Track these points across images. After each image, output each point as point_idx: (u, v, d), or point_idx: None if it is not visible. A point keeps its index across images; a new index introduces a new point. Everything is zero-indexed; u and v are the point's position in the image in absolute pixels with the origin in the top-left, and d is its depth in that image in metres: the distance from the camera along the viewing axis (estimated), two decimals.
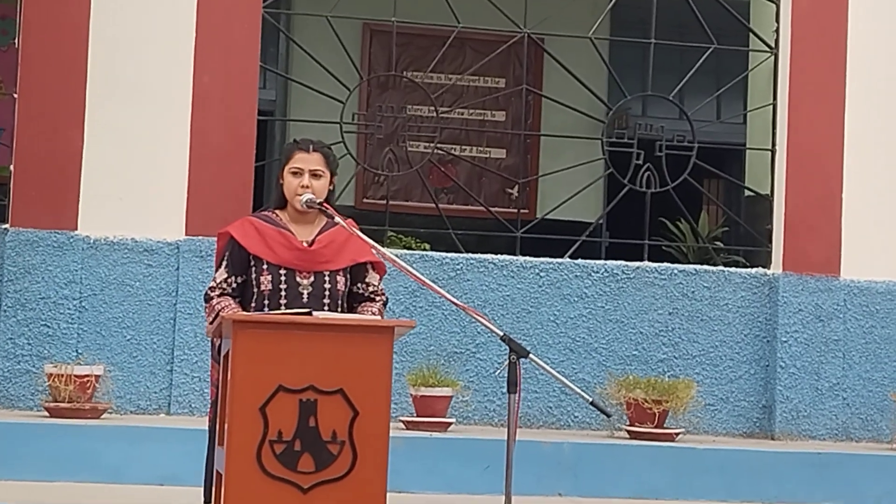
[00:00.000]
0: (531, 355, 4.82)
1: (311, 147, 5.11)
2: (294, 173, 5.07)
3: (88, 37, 7.89)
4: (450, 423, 7.60)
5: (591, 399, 4.98)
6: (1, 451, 6.84)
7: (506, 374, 4.83)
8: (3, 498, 6.26)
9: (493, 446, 7.13)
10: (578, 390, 4.97)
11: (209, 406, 5.24)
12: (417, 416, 7.54)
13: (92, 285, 7.83)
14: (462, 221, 8.85)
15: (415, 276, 4.99)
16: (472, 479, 7.04)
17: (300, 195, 5.03)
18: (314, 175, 5.07)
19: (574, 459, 7.25)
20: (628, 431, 7.71)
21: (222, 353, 4.91)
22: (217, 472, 4.84)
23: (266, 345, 4.57)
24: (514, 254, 8.50)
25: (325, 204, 5.03)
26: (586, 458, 7.30)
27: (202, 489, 5.13)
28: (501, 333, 4.86)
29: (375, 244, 5.13)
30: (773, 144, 8.74)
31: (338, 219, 5.02)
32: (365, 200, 10.84)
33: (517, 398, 4.78)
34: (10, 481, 6.70)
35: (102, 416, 7.36)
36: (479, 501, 6.72)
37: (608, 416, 5.16)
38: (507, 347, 4.81)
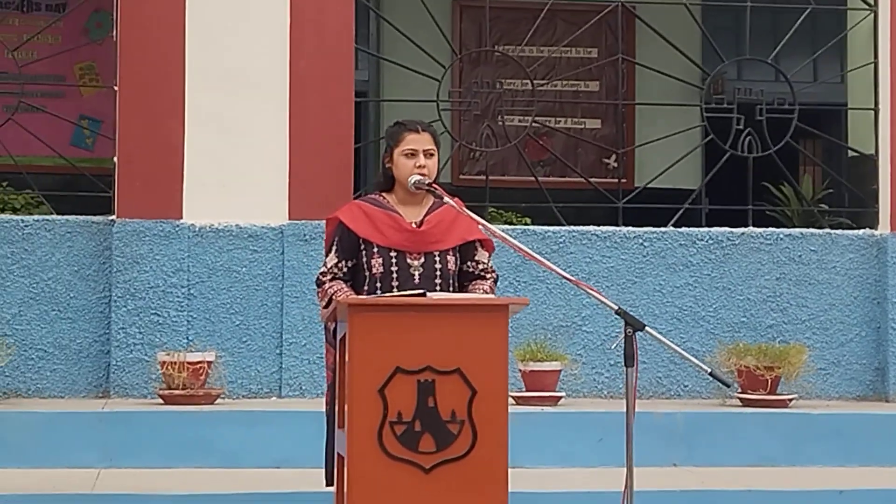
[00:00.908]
0: (647, 328, 4.81)
1: (419, 128, 5.13)
2: (408, 155, 5.08)
3: (185, 27, 7.94)
4: (560, 397, 7.58)
5: (710, 370, 4.95)
6: (118, 439, 6.92)
7: (621, 348, 4.83)
8: (123, 486, 6.34)
9: (604, 419, 7.15)
10: (697, 361, 4.94)
11: (326, 390, 5.27)
12: (527, 391, 7.53)
13: (199, 273, 7.91)
14: (559, 194, 8.79)
15: (526, 252, 4.98)
16: (585, 452, 7.02)
17: (415, 175, 5.04)
18: (428, 155, 5.09)
19: (687, 429, 7.19)
20: (740, 399, 7.64)
21: (338, 337, 4.94)
22: (338, 454, 4.88)
23: (382, 327, 4.60)
24: (612, 224, 8.44)
25: (433, 184, 5.04)
26: (699, 427, 7.23)
27: (324, 472, 5.17)
28: (616, 307, 4.83)
29: (484, 221, 5.14)
30: (876, 103, 8.60)
31: (446, 198, 5.02)
32: (461, 177, 10.86)
33: (635, 371, 4.78)
34: (128, 469, 6.78)
35: (216, 402, 7.43)
36: (594, 474, 6.70)
37: (728, 385, 5.13)
38: (622, 321, 4.80)
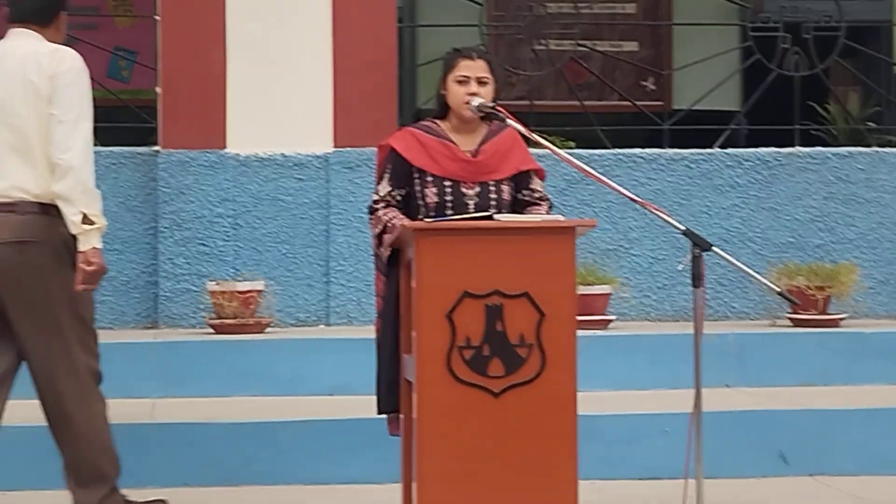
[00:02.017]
0: (714, 248, 4.77)
1: (474, 54, 5.03)
2: (460, 82, 5.00)
3: None
4: (610, 321, 7.55)
5: (779, 289, 4.92)
6: (171, 369, 6.93)
7: (688, 269, 4.80)
8: (179, 415, 6.36)
9: (655, 341, 7.18)
10: (765, 281, 4.93)
11: (376, 317, 5.24)
12: (578, 314, 7.45)
13: (245, 202, 7.87)
14: (599, 117, 8.72)
15: (588, 172, 4.96)
16: (638, 374, 7.01)
17: (468, 102, 4.96)
18: (480, 82, 5.00)
19: (739, 350, 7.16)
20: (791, 319, 7.60)
21: (402, 262, 4.90)
22: (405, 380, 4.86)
23: (449, 251, 4.57)
24: (653, 147, 8.38)
25: (498, 107, 4.97)
26: (751, 348, 7.20)
27: (376, 399, 5.14)
28: (683, 228, 4.81)
29: (548, 143, 5.08)
30: None
31: (510, 121, 4.97)
32: (501, 102, 10.72)
33: (702, 292, 4.74)
34: (182, 398, 6.80)
35: (265, 331, 7.43)
36: (649, 396, 6.70)
37: (796, 304, 5.10)
38: (690, 241, 4.77)
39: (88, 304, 5.05)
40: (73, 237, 4.85)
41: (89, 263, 4.81)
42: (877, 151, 8.38)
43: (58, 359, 4.96)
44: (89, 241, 4.81)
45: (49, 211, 4.86)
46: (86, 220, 4.80)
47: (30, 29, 5.04)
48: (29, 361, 5.03)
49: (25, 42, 5.01)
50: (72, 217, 4.80)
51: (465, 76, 4.99)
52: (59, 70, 4.88)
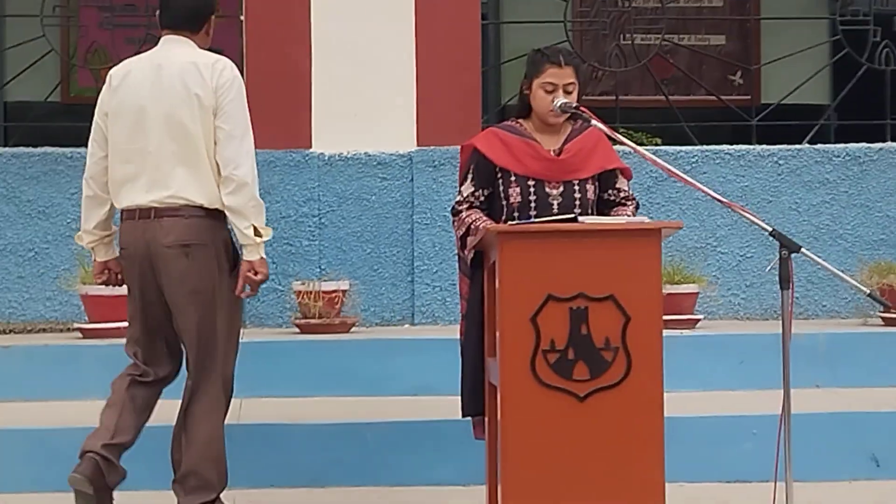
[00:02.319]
0: (803, 249, 4.69)
1: (562, 60, 4.98)
2: (548, 90, 4.96)
3: None
4: (698, 320, 7.48)
5: (868, 291, 4.83)
6: (257, 369, 6.89)
7: (776, 270, 4.73)
8: (266, 415, 6.37)
9: (744, 341, 7.07)
10: (854, 282, 4.84)
11: (461, 319, 5.22)
12: (665, 314, 7.39)
13: (329, 202, 7.89)
14: (685, 112, 8.64)
15: (673, 172, 4.90)
16: (726, 375, 6.91)
17: (552, 109, 4.94)
18: (567, 91, 4.97)
19: (829, 350, 7.04)
20: (883, 318, 7.46)
21: (486, 265, 4.87)
22: (490, 384, 4.83)
23: (533, 254, 4.53)
24: (742, 142, 8.28)
25: (581, 108, 4.93)
26: (842, 347, 7.07)
27: (460, 402, 5.12)
28: (770, 229, 4.75)
29: (631, 143, 5.03)
30: None
31: (594, 121, 4.92)
32: (584, 97, 10.65)
33: (790, 293, 4.67)
34: (268, 398, 6.80)
35: (351, 330, 7.44)
36: (737, 397, 6.61)
37: (887, 307, 5.00)
38: (778, 243, 4.69)
39: (239, 309, 5.24)
40: (232, 242, 5.08)
41: (256, 273, 5.04)
42: None
43: (205, 362, 5.12)
44: (257, 252, 5.03)
45: (212, 215, 5.03)
46: (255, 231, 4.99)
47: (183, 35, 5.14)
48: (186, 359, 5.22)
49: (181, 50, 5.11)
50: (244, 230, 4.99)
51: (552, 83, 4.96)
52: (220, 82, 5.00)
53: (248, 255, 5.01)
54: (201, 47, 5.15)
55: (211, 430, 5.14)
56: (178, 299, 5.05)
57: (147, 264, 5.04)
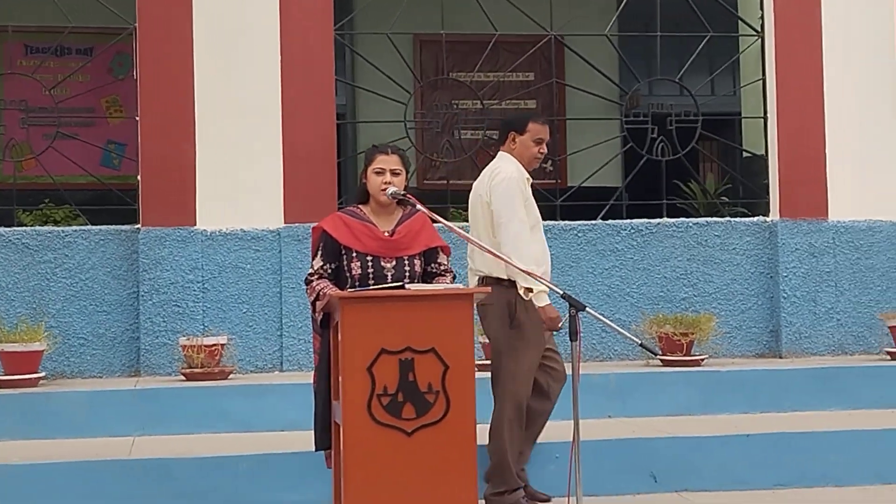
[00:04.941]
0: (588, 308, 4.75)
1: (389, 150, 5.05)
2: (377, 173, 5.00)
3: (193, 65, 7.81)
4: None
5: (640, 342, 4.90)
6: (149, 412, 6.82)
7: (566, 326, 4.78)
8: (154, 451, 6.24)
9: None
10: (629, 335, 4.91)
11: (314, 370, 5.19)
12: (486, 359, 7.43)
13: (211, 270, 7.80)
14: None
15: (482, 247, 4.94)
16: None
17: (384, 189, 4.96)
18: (394, 173, 5.00)
19: (619, 387, 7.15)
20: (662, 360, 7.60)
21: (331, 325, 4.86)
22: (334, 422, 4.80)
23: (369, 315, 4.53)
24: (550, 218, 8.37)
25: (408, 195, 4.96)
26: (629, 385, 7.18)
27: (313, 439, 5.08)
28: (561, 291, 4.79)
29: (449, 224, 5.07)
30: (765, 112, 8.56)
31: (419, 206, 4.95)
32: (425, 182, 10.75)
33: (578, 345, 4.73)
34: (159, 436, 6.69)
35: (229, 377, 7.34)
36: (545, 428, 6.62)
37: (655, 354, 5.09)
38: (567, 303, 4.74)
39: (521, 346, 5.48)
40: (515, 301, 5.42)
41: (545, 314, 5.35)
42: (729, 221, 8.44)
43: (501, 384, 5.52)
44: (538, 301, 5.34)
45: (500, 282, 5.41)
46: (527, 290, 5.33)
47: (500, 149, 5.71)
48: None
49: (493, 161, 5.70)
50: (520, 290, 5.36)
51: (381, 168, 5.01)
52: (492, 183, 5.51)
53: (536, 304, 5.40)
54: (509, 154, 5.67)
55: (498, 441, 5.53)
56: (489, 337, 5.71)
57: None
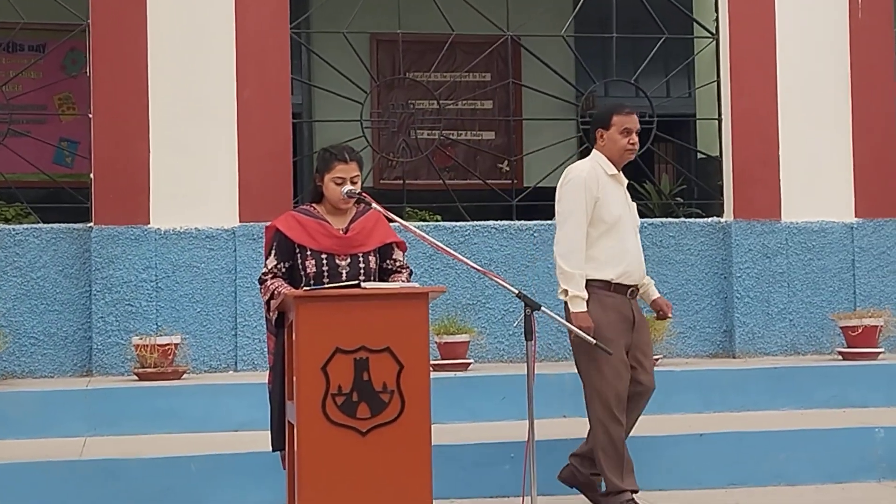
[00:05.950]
0: (543, 308, 4.75)
1: (346, 157, 4.99)
2: (338, 183, 4.95)
3: (147, 62, 7.75)
4: (469, 364, 7.52)
5: (595, 341, 4.91)
6: (101, 412, 6.75)
7: (521, 325, 4.77)
8: (106, 451, 6.17)
9: (506, 381, 7.10)
10: (584, 335, 4.90)
11: (268, 370, 5.15)
12: (442, 359, 7.46)
13: (165, 269, 7.73)
14: (461, 194, 8.73)
15: (439, 246, 4.91)
16: (491, 409, 6.96)
17: (343, 198, 4.94)
18: (353, 181, 4.97)
19: (573, 387, 7.01)
20: None
21: (286, 324, 4.83)
22: (289, 422, 4.77)
23: (323, 314, 4.50)
24: (506, 218, 8.40)
25: (363, 193, 4.93)
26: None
27: (270, 439, 5.05)
28: (516, 291, 4.78)
29: (405, 223, 5.05)
30: (720, 114, 8.62)
31: (374, 205, 4.93)
32: (381, 182, 10.74)
33: (533, 344, 4.72)
34: (111, 436, 6.62)
35: (182, 377, 7.28)
36: (500, 427, 6.64)
37: (609, 353, 5.09)
38: (522, 303, 4.74)
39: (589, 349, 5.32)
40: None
41: (576, 320, 5.31)
42: (684, 221, 8.49)
43: (586, 385, 5.56)
44: (573, 306, 5.39)
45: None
46: (565, 293, 5.38)
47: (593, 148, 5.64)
48: None
49: None
50: (559, 292, 5.46)
51: (341, 178, 4.95)
52: (560, 183, 5.50)
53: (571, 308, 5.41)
54: (601, 152, 5.54)
55: (595, 438, 5.62)
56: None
57: None
